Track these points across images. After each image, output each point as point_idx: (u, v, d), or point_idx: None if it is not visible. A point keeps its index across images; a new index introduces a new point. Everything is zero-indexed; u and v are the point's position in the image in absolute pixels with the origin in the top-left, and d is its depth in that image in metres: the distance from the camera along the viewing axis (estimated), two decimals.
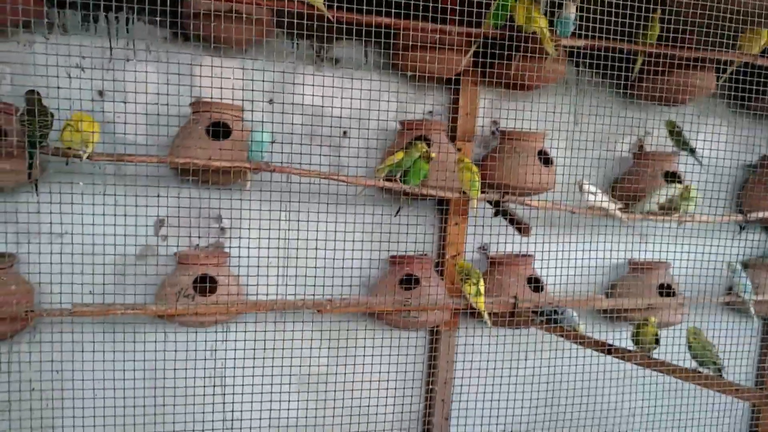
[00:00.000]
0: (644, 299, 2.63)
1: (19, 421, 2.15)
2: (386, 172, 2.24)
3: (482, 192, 2.33)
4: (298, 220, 2.31)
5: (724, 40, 2.46)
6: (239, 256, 2.34)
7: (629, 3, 2.23)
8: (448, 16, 2.21)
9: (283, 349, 2.29)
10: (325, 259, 2.36)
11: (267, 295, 2.23)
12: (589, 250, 2.67)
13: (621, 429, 2.92)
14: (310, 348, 2.45)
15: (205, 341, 2.35)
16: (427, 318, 2.41)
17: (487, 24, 2.26)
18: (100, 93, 2.18)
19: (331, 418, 2.50)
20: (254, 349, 2.23)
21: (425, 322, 2.45)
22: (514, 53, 2.30)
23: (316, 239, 2.30)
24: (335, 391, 2.54)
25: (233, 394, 2.28)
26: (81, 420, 2.13)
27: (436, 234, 2.68)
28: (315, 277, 2.31)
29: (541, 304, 2.47)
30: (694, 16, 2.37)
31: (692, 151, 2.65)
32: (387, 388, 2.51)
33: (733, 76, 2.68)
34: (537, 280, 2.65)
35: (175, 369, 2.26)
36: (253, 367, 2.26)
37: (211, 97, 2.22)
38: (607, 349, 2.28)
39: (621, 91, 2.83)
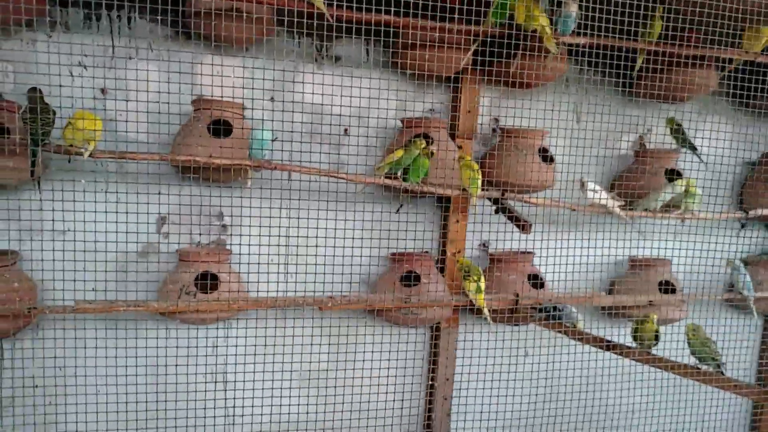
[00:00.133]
0: (645, 296, 2.63)
1: (22, 416, 2.16)
2: (386, 170, 2.25)
3: (483, 189, 2.33)
4: (298, 218, 2.31)
5: (725, 39, 2.46)
6: (240, 253, 2.36)
7: (630, 1, 2.23)
8: (447, 15, 2.21)
9: (283, 345, 2.30)
10: (325, 255, 2.37)
11: (268, 292, 2.24)
12: (589, 247, 2.68)
13: (621, 425, 2.93)
14: (310, 344, 2.46)
15: (206, 337, 2.36)
16: (427, 315, 2.42)
17: (487, 22, 2.27)
18: (102, 91, 2.19)
19: (332, 414, 2.51)
20: (254, 345, 2.25)
21: (426, 319, 2.46)
22: (514, 51, 2.31)
23: (316, 236, 2.31)
24: (335, 386, 2.55)
25: (234, 390, 2.29)
26: (84, 416, 2.14)
27: (437, 231, 2.68)
28: (315, 273, 2.32)
29: (541, 300, 2.48)
30: (695, 14, 2.37)
31: (693, 149, 2.65)
32: (387, 384, 2.52)
33: (734, 74, 2.68)
34: (537, 277, 2.66)
35: (176, 365, 2.28)
36: (254, 362, 2.28)
37: (212, 95, 2.23)
38: (607, 346, 2.29)
39: (622, 88, 2.83)
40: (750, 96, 2.87)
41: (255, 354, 2.27)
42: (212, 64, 2.04)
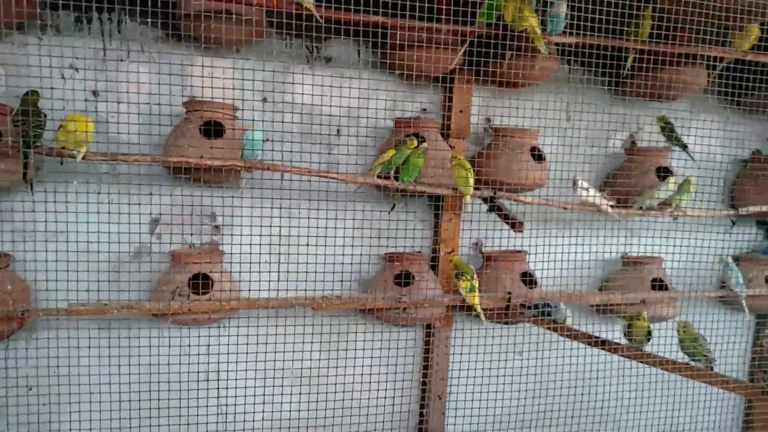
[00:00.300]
0: (637, 294, 2.64)
1: (16, 416, 2.17)
2: (379, 170, 2.26)
3: (475, 189, 2.35)
4: (290, 217, 2.32)
5: (714, 38, 2.48)
6: (231, 253, 2.36)
7: (620, 1, 2.24)
8: (435, 16, 2.22)
9: (277, 344, 2.31)
10: (316, 255, 2.38)
11: (260, 291, 2.25)
12: (582, 245, 2.70)
13: (614, 422, 2.94)
14: (304, 344, 2.47)
15: (199, 338, 2.37)
16: (420, 314, 2.43)
17: (478, 22, 2.28)
18: (94, 93, 2.20)
19: (326, 414, 2.52)
20: (247, 344, 2.25)
21: (419, 318, 2.47)
22: (505, 51, 2.32)
23: (308, 235, 2.32)
24: (329, 386, 2.56)
25: (227, 388, 2.30)
26: (78, 417, 2.15)
27: (430, 231, 2.70)
28: (307, 272, 2.32)
29: (533, 298, 2.49)
30: (684, 13, 2.39)
31: (684, 147, 2.67)
32: (381, 383, 2.53)
33: (724, 72, 2.70)
34: (530, 276, 2.67)
35: (168, 363, 2.29)
36: (247, 362, 2.29)
37: (203, 96, 2.24)
38: (596, 341, 2.30)
39: (612, 87, 2.84)
40: (740, 94, 2.89)
41: (247, 353, 2.28)
42: (203, 66, 2.05)
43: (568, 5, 2.26)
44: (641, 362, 2.21)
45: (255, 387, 2.29)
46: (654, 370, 2.17)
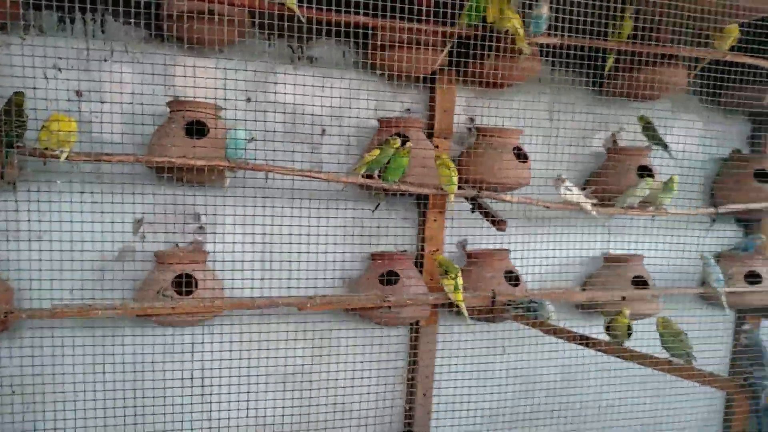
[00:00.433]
0: (618, 291, 2.68)
1: (0, 419, 2.16)
2: (364, 170, 2.27)
3: (459, 188, 2.37)
4: (273, 216, 2.33)
5: (694, 39, 2.51)
6: (215, 252, 2.37)
7: (600, 3, 2.27)
8: (416, 17, 2.24)
9: (262, 345, 2.32)
10: (302, 254, 2.39)
11: (243, 290, 2.26)
12: (567, 242, 2.73)
13: (598, 419, 2.97)
14: (290, 344, 2.47)
15: (183, 339, 2.37)
16: (405, 313, 2.44)
17: (460, 23, 2.30)
18: (78, 93, 2.20)
19: (313, 414, 2.53)
20: (231, 343, 2.26)
21: (405, 318, 2.48)
22: (488, 52, 2.35)
23: (292, 234, 2.33)
24: (316, 386, 2.57)
25: (211, 387, 2.30)
26: (63, 419, 2.15)
27: (415, 230, 2.71)
28: (293, 270, 2.34)
29: (518, 296, 2.51)
30: (664, 14, 2.42)
31: (664, 146, 2.70)
32: (368, 383, 2.54)
33: (704, 72, 2.74)
34: (513, 273, 2.69)
35: (153, 363, 2.29)
36: (231, 363, 2.29)
37: (186, 96, 2.24)
38: (574, 337, 2.33)
39: (594, 87, 2.88)
40: (720, 94, 2.94)
41: (232, 353, 2.29)
42: (186, 66, 2.06)
43: (550, 7, 2.29)
44: (619, 357, 2.23)
45: (240, 387, 2.29)
46: (638, 367, 2.20)
